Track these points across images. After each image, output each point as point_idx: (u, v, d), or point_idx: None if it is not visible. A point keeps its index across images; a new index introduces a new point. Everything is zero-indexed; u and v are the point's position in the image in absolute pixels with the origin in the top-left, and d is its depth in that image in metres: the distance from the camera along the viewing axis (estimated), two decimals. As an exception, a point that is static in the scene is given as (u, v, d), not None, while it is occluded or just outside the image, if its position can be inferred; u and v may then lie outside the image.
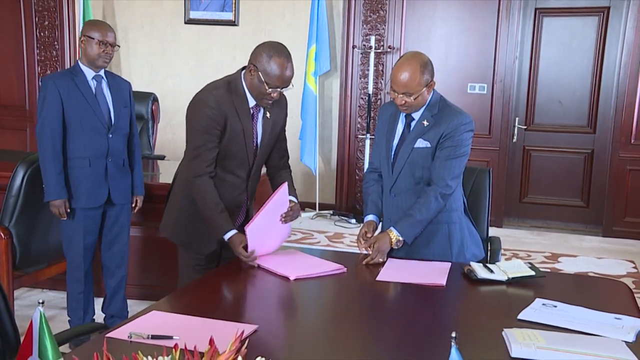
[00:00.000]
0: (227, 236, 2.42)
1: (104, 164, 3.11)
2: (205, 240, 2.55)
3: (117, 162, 3.17)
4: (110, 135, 3.11)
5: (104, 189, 3.13)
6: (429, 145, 2.51)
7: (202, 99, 2.46)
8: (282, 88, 2.42)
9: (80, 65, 3.09)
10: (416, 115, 2.54)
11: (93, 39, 3.03)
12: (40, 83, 6.24)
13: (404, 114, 2.56)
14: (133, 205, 3.31)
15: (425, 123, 2.51)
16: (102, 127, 3.08)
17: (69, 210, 3.07)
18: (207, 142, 2.45)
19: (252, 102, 2.49)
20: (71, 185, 3.07)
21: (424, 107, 2.52)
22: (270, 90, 2.38)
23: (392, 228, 2.50)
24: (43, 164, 3.03)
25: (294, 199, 2.59)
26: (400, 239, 2.48)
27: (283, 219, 2.49)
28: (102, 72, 3.13)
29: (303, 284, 2.24)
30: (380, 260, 2.44)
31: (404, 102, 2.44)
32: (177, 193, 2.67)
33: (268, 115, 2.55)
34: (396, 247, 2.49)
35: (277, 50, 2.38)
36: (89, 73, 3.09)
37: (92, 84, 3.09)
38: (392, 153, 2.59)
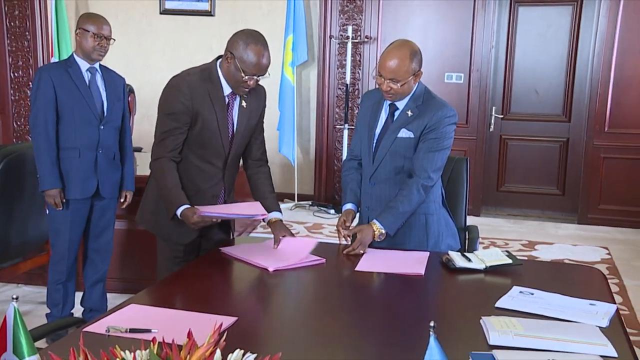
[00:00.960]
0: (179, 211, 2.41)
1: (94, 155, 3.09)
2: (183, 229, 2.53)
3: (108, 155, 3.15)
4: (102, 127, 3.10)
5: (92, 181, 3.11)
6: (412, 135, 2.51)
7: (174, 85, 2.45)
8: (259, 76, 2.41)
9: (75, 57, 3.08)
10: (400, 105, 2.54)
11: (88, 31, 3.02)
12: (12, 74, 6.20)
13: (388, 103, 2.56)
14: (122, 200, 3.28)
15: (410, 113, 2.51)
16: (94, 118, 3.07)
17: (64, 200, 3.04)
18: (173, 129, 2.44)
19: (227, 90, 2.48)
20: (62, 175, 3.05)
21: (409, 97, 2.52)
22: (246, 77, 2.38)
23: (375, 220, 2.49)
24: (37, 153, 3.01)
25: (279, 215, 2.58)
26: (383, 231, 2.48)
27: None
28: (96, 65, 3.12)
29: (282, 275, 2.24)
30: (362, 251, 2.45)
31: (389, 88, 2.44)
32: (153, 184, 2.64)
33: (244, 104, 2.54)
34: (379, 240, 2.49)
35: (254, 38, 2.38)
36: (84, 65, 3.08)
37: (86, 75, 3.08)
38: (374, 141, 2.59)
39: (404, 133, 2.51)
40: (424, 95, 2.54)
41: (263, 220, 2.59)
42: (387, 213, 2.49)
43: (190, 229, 2.48)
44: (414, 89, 2.52)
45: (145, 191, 2.69)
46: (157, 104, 2.52)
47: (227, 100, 2.49)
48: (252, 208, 2.51)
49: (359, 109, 2.75)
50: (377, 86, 2.52)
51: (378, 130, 2.59)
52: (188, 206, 2.40)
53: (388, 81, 2.42)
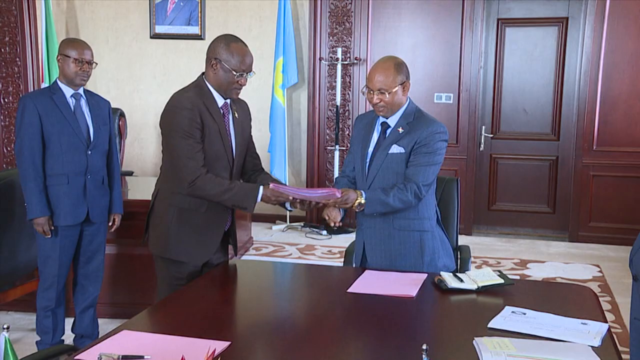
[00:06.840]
0: (260, 195, 2.44)
1: (83, 181, 3.09)
2: (200, 247, 2.55)
3: (96, 180, 3.14)
4: (89, 152, 3.09)
5: (82, 207, 3.09)
6: (403, 150, 2.56)
7: (175, 104, 2.47)
8: (247, 73, 2.49)
9: (59, 83, 3.08)
10: (392, 122, 2.60)
11: (69, 57, 3.02)
12: (2, 100, 6.20)
13: (380, 123, 2.62)
14: (110, 223, 3.27)
15: (400, 130, 2.58)
16: (81, 144, 3.06)
17: (52, 228, 3.03)
18: (194, 145, 2.44)
19: (220, 102, 2.53)
20: (50, 202, 3.03)
21: (400, 114, 2.58)
22: (237, 76, 2.45)
23: (362, 192, 2.51)
24: (24, 182, 3.00)
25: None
26: (362, 202, 2.49)
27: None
28: (81, 90, 3.12)
29: (275, 297, 2.24)
30: (336, 206, 2.51)
31: (379, 100, 2.51)
32: (162, 208, 2.60)
33: (237, 115, 2.61)
34: (356, 209, 2.51)
35: (232, 38, 2.51)
36: (68, 91, 3.08)
37: (71, 101, 3.08)
38: (368, 159, 2.64)
39: (395, 149, 2.57)
40: (415, 114, 2.61)
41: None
42: (377, 194, 2.51)
43: (207, 247, 2.55)
44: (405, 107, 2.59)
45: (152, 218, 2.65)
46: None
47: (222, 111, 2.55)
48: (319, 190, 2.55)
49: (353, 130, 2.81)
50: (368, 102, 2.55)
51: (371, 149, 2.65)
52: (263, 186, 2.46)
53: (376, 92, 2.50)
